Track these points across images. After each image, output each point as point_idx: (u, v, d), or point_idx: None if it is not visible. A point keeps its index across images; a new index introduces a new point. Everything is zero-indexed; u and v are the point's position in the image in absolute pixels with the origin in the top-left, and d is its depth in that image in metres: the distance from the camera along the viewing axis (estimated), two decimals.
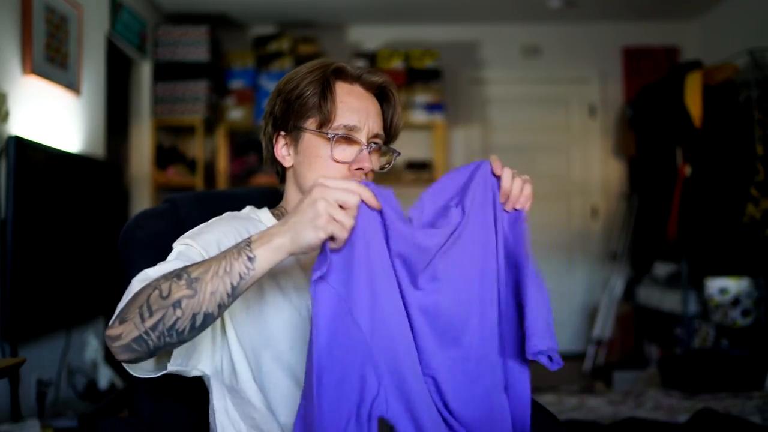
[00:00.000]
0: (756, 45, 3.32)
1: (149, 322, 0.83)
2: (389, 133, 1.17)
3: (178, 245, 1.01)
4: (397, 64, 4.26)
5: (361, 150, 1.08)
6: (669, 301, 3.77)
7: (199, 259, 0.93)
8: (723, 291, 3.23)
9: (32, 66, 2.41)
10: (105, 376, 2.75)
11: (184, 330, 0.84)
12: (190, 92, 3.92)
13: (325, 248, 0.85)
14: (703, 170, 3.46)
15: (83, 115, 2.91)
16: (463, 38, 4.63)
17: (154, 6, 4.00)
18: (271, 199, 1.40)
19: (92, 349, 2.78)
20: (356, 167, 1.07)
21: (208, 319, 0.85)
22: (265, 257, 0.85)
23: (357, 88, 1.11)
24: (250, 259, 0.84)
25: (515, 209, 1.01)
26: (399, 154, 1.17)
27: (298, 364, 1.01)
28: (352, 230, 0.85)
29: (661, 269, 3.91)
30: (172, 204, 1.27)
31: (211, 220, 1.10)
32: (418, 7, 4.23)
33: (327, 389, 0.82)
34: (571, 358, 4.44)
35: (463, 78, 4.64)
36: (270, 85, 4.18)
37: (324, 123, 1.07)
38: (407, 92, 4.23)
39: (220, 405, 1.03)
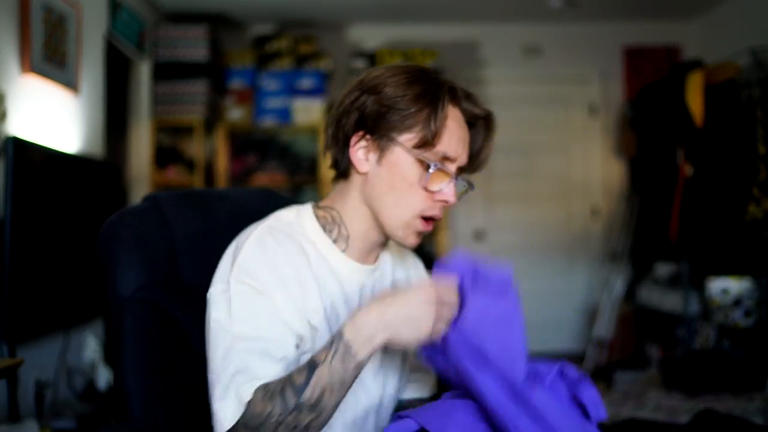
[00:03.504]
0: (758, 44, 3.30)
1: None
2: (473, 165, 1.06)
3: (238, 284, 0.94)
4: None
5: (449, 182, 1.00)
6: (670, 301, 3.76)
7: (266, 311, 0.93)
8: (724, 291, 3.22)
9: (30, 65, 2.40)
10: (104, 377, 2.75)
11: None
12: (190, 92, 3.91)
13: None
14: (705, 170, 3.45)
15: (82, 115, 2.90)
16: (463, 38, 4.62)
17: (153, 5, 3.99)
18: (263, 200, 1.36)
19: (91, 349, 2.77)
20: (440, 198, 1.00)
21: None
22: (369, 354, 0.90)
23: (458, 113, 1.02)
24: (359, 363, 0.89)
25: None
26: (473, 188, 1.07)
27: None
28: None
29: (662, 269, 3.90)
30: (154, 202, 1.22)
31: (257, 243, 0.97)
32: (418, 6, 4.22)
33: None
34: (572, 359, 4.43)
35: (463, 78, 4.62)
36: (270, 84, 4.17)
37: (423, 145, 0.97)
38: None
39: None
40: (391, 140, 0.98)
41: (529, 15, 4.45)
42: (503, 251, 4.63)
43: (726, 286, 3.22)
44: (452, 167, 1.00)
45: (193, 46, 3.93)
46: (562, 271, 4.68)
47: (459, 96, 1.02)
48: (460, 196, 1.05)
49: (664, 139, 3.78)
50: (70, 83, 2.74)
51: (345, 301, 1.02)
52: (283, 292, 0.94)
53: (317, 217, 1.05)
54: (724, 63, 3.45)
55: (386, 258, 1.13)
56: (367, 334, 0.89)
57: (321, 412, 0.88)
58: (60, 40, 2.65)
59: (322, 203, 1.07)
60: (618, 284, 4.30)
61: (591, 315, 4.50)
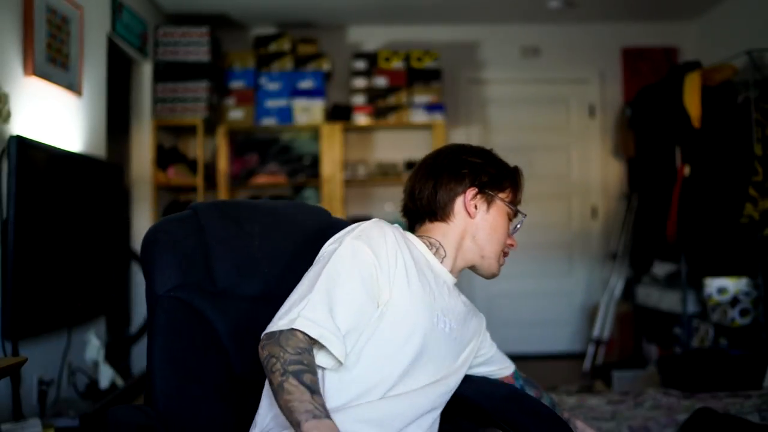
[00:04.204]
0: (754, 46, 3.32)
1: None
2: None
3: (354, 239, 1.17)
4: (397, 64, 4.27)
5: (520, 224, 1.38)
6: (668, 300, 3.78)
7: (371, 264, 1.15)
8: (722, 290, 3.24)
9: (34, 67, 2.42)
10: (106, 376, 2.76)
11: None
12: (191, 92, 3.93)
13: None
14: (702, 170, 3.47)
15: (84, 116, 2.92)
16: (463, 38, 4.64)
17: (155, 6, 4.01)
18: (294, 210, 1.46)
19: (93, 348, 2.79)
20: (510, 242, 1.37)
21: None
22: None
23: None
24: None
25: None
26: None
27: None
28: None
29: (661, 269, 3.92)
30: (194, 211, 1.35)
31: (377, 222, 1.23)
32: (418, 7, 4.24)
33: None
34: (571, 358, 4.45)
35: (463, 78, 4.65)
36: (271, 85, 4.19)
37: (513, 201, 1.36)
38: (407, 93, 4.24)
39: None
40: (495, 196, 1.33)
41: (529, 16, 4.47)
42: None
43: (723, 286, 3.24)
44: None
45: (195, 47, 3.95)
46: (562, 271, 4.69)
47: None
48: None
49: (663, 139, 3.80)
50: (73, 85, 2.76)
51: (439, 290, 1.26)
52: (386, 255, 1.17)
53: (422, 241, 1.32)
54: (722, 64, 3.46)
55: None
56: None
57: (281, 404, 1.01)
58: (63, 42, 2.67)
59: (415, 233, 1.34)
60: (617, 284, 4.32)
61: (590, 315, 4.52)
